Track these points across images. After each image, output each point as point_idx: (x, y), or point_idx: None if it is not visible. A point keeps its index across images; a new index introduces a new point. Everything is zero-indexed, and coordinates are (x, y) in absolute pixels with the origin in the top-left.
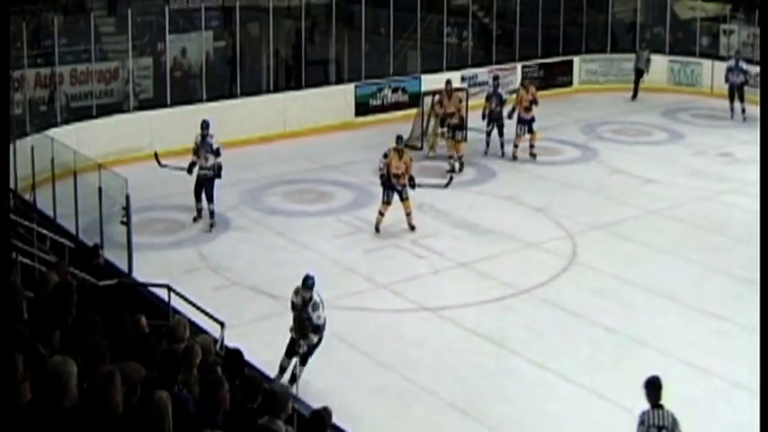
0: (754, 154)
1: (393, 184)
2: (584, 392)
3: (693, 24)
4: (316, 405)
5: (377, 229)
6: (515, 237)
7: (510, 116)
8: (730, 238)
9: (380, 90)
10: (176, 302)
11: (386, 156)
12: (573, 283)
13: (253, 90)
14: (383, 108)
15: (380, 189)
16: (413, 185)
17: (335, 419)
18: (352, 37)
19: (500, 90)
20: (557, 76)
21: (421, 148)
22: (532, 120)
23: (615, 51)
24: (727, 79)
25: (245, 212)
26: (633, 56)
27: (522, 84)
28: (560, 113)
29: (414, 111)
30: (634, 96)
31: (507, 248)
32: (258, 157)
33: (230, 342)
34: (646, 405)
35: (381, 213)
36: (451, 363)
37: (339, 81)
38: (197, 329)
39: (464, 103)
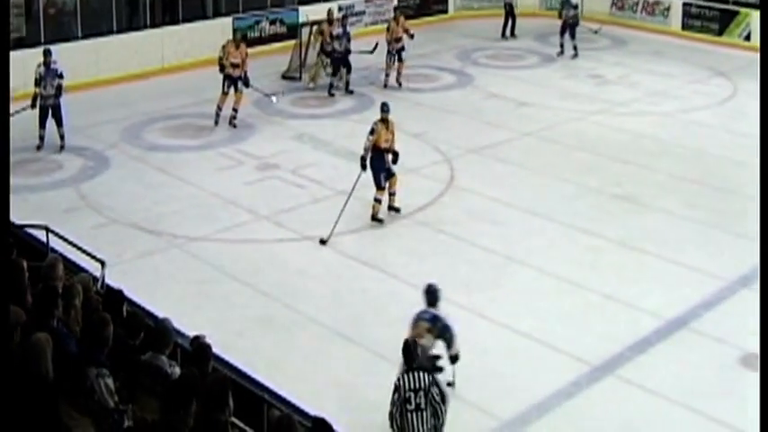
0: (623, 75)
1: (381, 163)
2: (463, 312)
3: None
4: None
5: (378, 219)
6: None
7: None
8: (601, 157)
9: (258, 22)
10: (56, 243)
11: (372, 132)
12: (451, 206)
13: (129, 26)
14: (261, 40)
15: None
16: (395, 161)
17: (218, 351)
18: None
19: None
20: (432, 4)
21: (299, 79)
22: (402, 49)
23: None
24: (560, 15)
25: (124, 150)
26: None
27: (393, 15)
28: (436, 41)
29: (292, 42)
30: (510, 33)
31: None
32: (137, 93)
33: (112, 281)
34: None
35: (378, 200)
36: (334, 290)
37: (217, 14)
38: (77, 269)
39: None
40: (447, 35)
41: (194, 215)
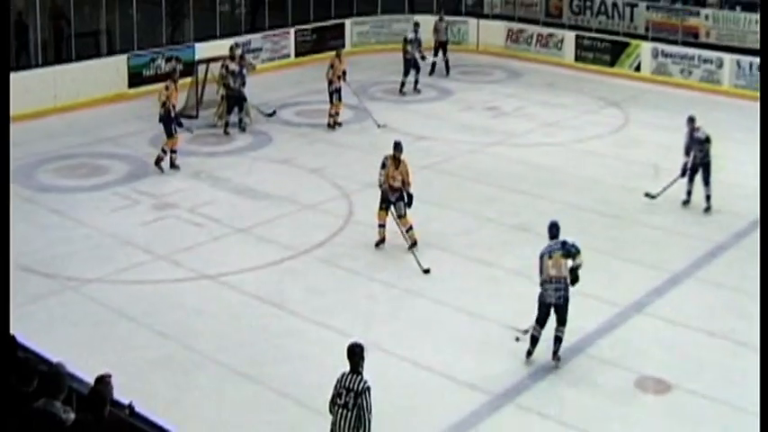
0: (519, 107)
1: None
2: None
3: None
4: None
5: (379, 244)
6: (293, 199)
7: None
8: (498, 188)
9: (154, 60)
10: None
11: (384, 166)
12: (350, 241)
13: (21, 65)
14: (157, 78)
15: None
16: (410, 203)
17: (117, 394)
18: (124, 7)
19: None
20: (329, 40)
21: (196, 117)
22: (340, 89)
23: (385, 13)
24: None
25: (15, 191)
26: (405, 17)
27: (336, 53)
28: None
29: (188, 79)
30: (446, 72)
31: (285, 211)
32: (29, 133)
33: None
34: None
35: (382, 225)
36: (234, 328)
37: (111, 52)
38: None
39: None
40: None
41: (89, 256)
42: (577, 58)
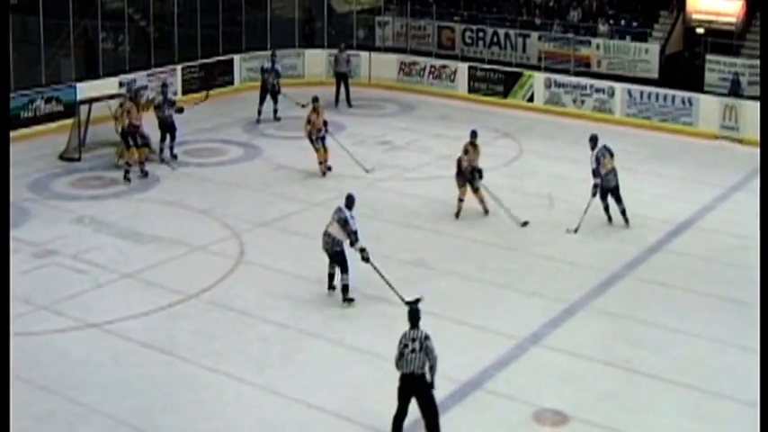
0: (412, 140)
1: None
2: (255, 390)
3: (351, 18)
4: None
5: (458, 215)
6: (181, 241)
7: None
8: (392, 223)
9: (33, 101)
10: None
11: (467, 152)
12: (241, 282)
13: None
14: (36, 120)
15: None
16: (480, 176)
17: None
18: None
19: (170, 96)
20: (218, 76)
21: (79, 159)
22: (324, 137)
23: (275, 48)
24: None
25: None
26: (295, 52)
27: (313, 107)
28: (223, 114)
29: (70, 120)
30: (346, 101)
31: (173, 254)
32: None
33: None
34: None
35: (462, 200)
36: (120, 378)
37: None
38: None
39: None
40: (233, 107)
41: None
42: (471, 90)
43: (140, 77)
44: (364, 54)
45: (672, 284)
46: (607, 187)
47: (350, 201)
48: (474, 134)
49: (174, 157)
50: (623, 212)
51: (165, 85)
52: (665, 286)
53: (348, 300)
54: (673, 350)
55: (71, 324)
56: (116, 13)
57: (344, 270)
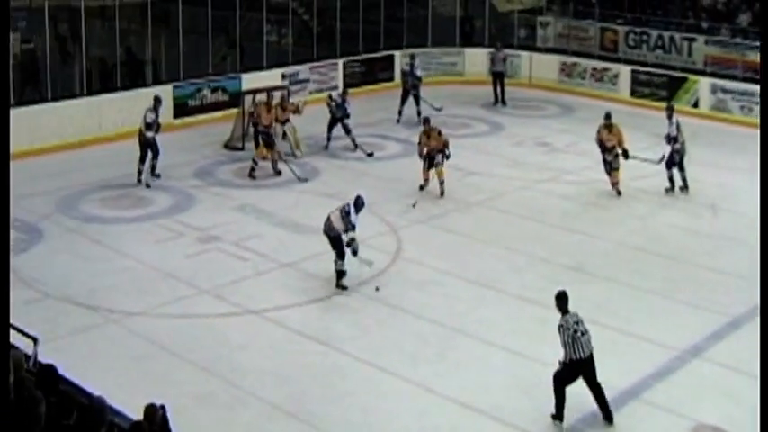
0: (572, 143)
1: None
2: (410, 386)
3: (512, 17)
4: (134, 416)
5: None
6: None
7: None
8: (550, 226)
9: (199, 90)
10: None
11: (598, 132)
12: (398, 278)
13: (66, 94)
14: (203, 108)
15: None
16: (626, 156)
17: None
18: (169, 37)
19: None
20: (378, 72)
21: (242, 149)
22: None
23: (436, 46)
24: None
25: (59, 221)
26: (455, 50)
27: (425, 131)
28: (383, 109)
29: (234, 110)
30: (501, 101)
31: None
32: (73, 163)
33: (44, 358)
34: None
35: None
36: (278, 365)
37: (156, 82)
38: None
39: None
40: (394, 103)
41: (132, 289)
42: (633, 94)
43: (303, 70)
44: (525, 54)
45: None
46: (682, 154)
47: (358, 201)
48: (608, 116)
49: (156, 176)
50: (685, 180)
51: (157, 101)
52: None
53: (341, 287)
54: None
55: (231, 309)
56: (280, 6)
57: (340, 255)
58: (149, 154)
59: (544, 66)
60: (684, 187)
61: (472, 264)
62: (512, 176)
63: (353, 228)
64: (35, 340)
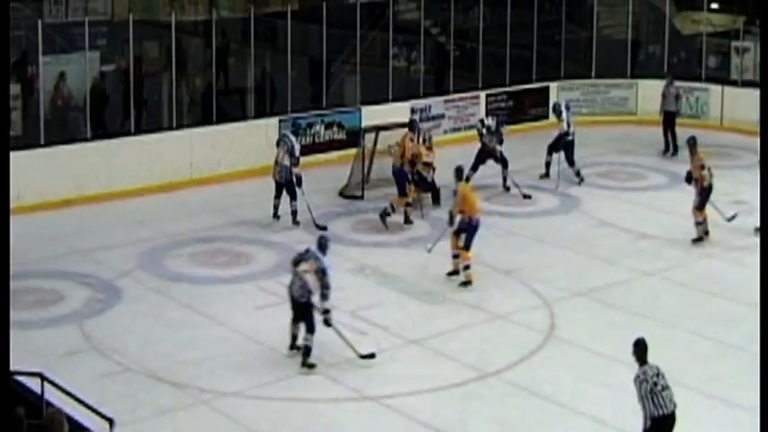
0: None
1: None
2: None
3: (698, 41)
4: None
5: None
6: (479, 306)
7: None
8: (747, 306)
9: (311, 125)
10: (53, 395)
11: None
12: (551, 363)
13: (152, 126)
14: (314, 147)
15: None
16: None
17: None
18: (276, 59)
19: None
20: (529, 108)
21: (362, 197)
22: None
23: (601, 76)
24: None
25: (141, 279)
26: (626, 82)
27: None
28: (534, 153)
29: (352, 151)
30: (672, 150)
31: (469, 321)
32: (159, 209)
33: None
34: None
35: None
36: None
37: (259, 114)
38: (79, 428)
39: None
40: (546, 146)
41: (227, 364)
42: None
43: (436, 104)
44: (715, 88)
45: None
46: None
47: (324, 243)
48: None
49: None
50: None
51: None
52: None
53: (309, 365)
54: None
55: (347, 394)
56: (410, 24)
57: (311, 329)
58: (299, 192)
59: (741, 103)
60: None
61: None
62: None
63: (329, 292)
64: (111, 422)
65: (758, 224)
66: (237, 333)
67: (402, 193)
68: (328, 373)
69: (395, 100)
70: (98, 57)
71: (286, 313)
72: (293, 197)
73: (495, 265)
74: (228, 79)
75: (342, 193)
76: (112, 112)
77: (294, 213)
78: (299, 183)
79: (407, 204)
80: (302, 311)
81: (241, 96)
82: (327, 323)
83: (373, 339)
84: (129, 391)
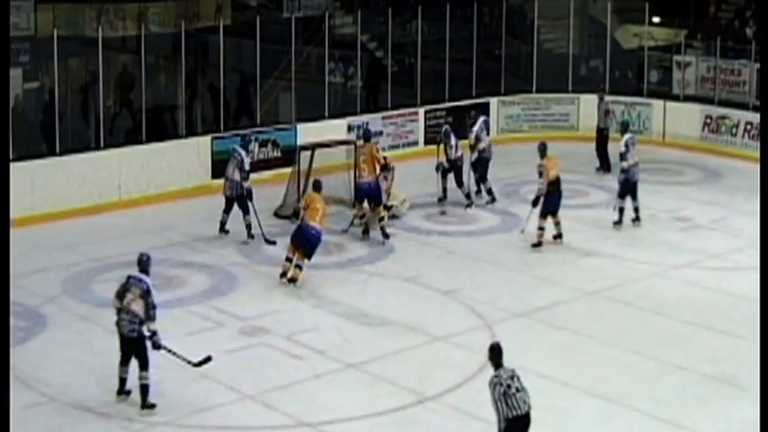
0: (718, 218)
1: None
2: None
3: (640, 56)
4: None
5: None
6: (418, 328)
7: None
8: (689, 325)
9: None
10: None
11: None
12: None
13: (77, 146)
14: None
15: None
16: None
17: None
18: (208, 76)
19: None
20: (470, 125)
21: (297, 217)
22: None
23: (543, 91)
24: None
25: (66, 306)
26: (568, 97)
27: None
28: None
29: (287, 170)
30: (605, 167)
31: (408, 344)
32: (85, 233)
33: None
34: None
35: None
36: None
37: (191, 133)
38: None
39: None
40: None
41: (157, 393)
42: None
43: (374, 120)
44: (657, 103)
45: None
46: (633, 181)
47: (145, 260)
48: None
49: (251, 237)
50: (637, 209)
51: (248, 141)
52: None
53: (149, 406)
54: None
55: (282, 420)
56: (347, 39)
57: (145, 365)
58: (250, 207)
59: (683, 118)
60: (637, 219)
61: (588, 371)
62: (639, 259)
63: (155, 311)
64: None
65: None
66: (168, 360)
67: (378, 203)
68: (263, 398)
69: (331, 117)
70: (20, 74)
71: (221, 339)
72: (246, 212)
73: (435, 286)
74: (159, 96)
75: (277, 213)
76: (35, 132)
77: (249, 227)
78: (250, 197)
79: (361, 216)
80: (135, 347)
81: (171, 114)
82: (156, 346)
83: (309, 365)
84: (53, 424)
